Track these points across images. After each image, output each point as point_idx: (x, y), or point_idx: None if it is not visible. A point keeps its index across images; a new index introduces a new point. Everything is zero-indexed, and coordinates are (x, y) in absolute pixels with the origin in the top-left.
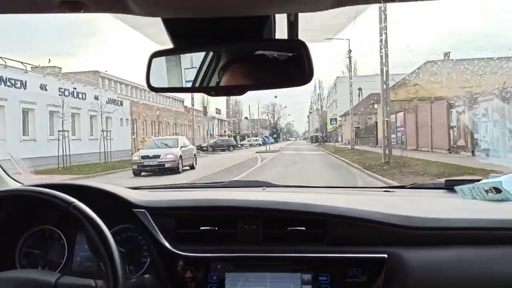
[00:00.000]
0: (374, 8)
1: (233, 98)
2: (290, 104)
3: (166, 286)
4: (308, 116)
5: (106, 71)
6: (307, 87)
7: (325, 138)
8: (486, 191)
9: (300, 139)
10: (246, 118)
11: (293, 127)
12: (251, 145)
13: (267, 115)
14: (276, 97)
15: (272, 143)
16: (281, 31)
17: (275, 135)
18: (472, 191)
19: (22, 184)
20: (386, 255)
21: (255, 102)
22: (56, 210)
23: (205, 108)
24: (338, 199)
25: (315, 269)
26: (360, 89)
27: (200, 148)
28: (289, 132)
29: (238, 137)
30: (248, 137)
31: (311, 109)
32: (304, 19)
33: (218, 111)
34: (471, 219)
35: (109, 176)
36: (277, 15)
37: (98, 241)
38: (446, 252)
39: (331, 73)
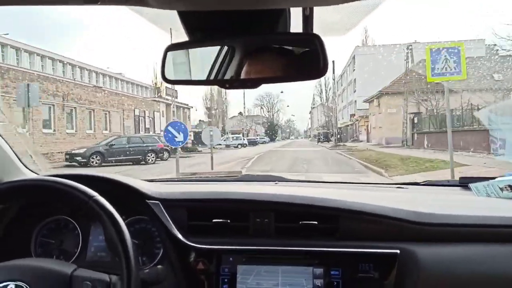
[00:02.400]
0: (391, 1)
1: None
2: (290, 100)
3: (179, 277)
4: (310, 112)
5: None
6: (310, 83)
7: (338, 136)
8: (501, 189)
9: (301, 138)
10: (240, 113)
11: (294, 124)
12: (227, 146)
13: (261, 108)
14: (282, 92)
15: (265, 142)
16: (296, 25)
17: (270, 132)
18: (486, 189)
19: (38, 174)
20: (398, 251)
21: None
22: (75, 202)
23: (158, 88)
24: (351, 194)
25: (327, 264)
26: (410, 48)
27: (70, 157)
28: (289, 130)
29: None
30: (235, 134)
31: (314, 104)
32: (319, 12)
33: (172, 94)
34: (485, 216)
35: None
36: (292, 9)
37: (115, 236)
38: (459, 248)
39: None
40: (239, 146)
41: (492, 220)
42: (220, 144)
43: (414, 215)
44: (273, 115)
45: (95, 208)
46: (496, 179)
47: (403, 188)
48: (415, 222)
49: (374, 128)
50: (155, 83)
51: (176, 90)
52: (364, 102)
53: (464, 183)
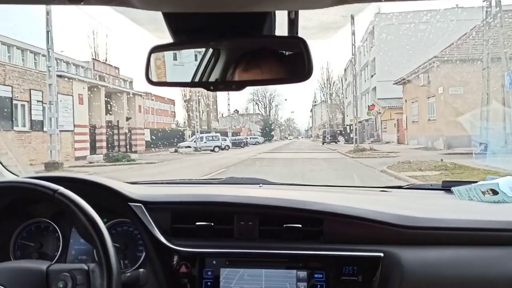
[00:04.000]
0: (372, 5)
1: None
2: (289, 98)
3: (161, 281)
4: (311, 110)
5: None
6: (311, 78)
7: (351, 135)
8: (483, 193)
9: (302, 137)
10: (236, 111)
11: (294, 123)
12: (197, 149)
13: (257, 103)
14: (286, 100)
15: (258, 143)
16: (281, 28)
17: (266, 130)
18: (469, 192)
19: (17, 175)
20: (382, 254)
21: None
22: (45, 199)
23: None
24: (335, 198)
25: (311, 267)
26: None
27: None
28: (289, 129)
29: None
30: (211, 133)
31: (315, 101)
32: (304, 16)
33: (105, 70)
34: (467, 219)
35: None
36: (277, 12)
37: (87, 224)
38: (442, 252)
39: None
40: (216, 149)
41: (474, 223)
42: (188, 147)
43: (398, 218)
44: (269, 111)
45: (62, 201)
46: (478, 183)
47: (386, 191)
48: (398, 226)
49: (415, 122)
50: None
51: (117, 68)
52: (396, 84)
53: (447, 186)
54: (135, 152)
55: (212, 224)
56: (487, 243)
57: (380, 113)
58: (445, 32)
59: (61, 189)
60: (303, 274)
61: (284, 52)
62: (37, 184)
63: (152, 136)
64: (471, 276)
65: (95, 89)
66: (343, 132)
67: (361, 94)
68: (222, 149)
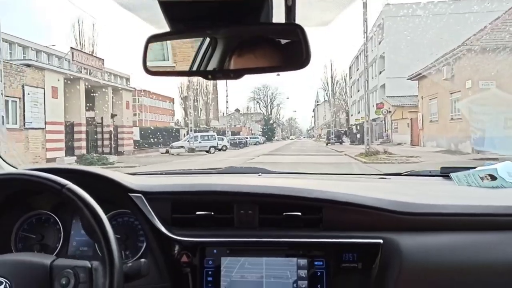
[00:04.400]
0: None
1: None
2: (291, 97)
3: (162, 271)
4: (313, 110)
5: None
6: (313, 78)
7: (357, 136)
8: (482, 178)
9: (304, 137)
10: (237, 110)
11: (296, 122)
12: (190, 150)
13: (258, 102)
14: (288, 98)
15: (258, 143)
16: (278, 16)
17: (267, 129)
18: (467, 178)
19: (16, 168)
20: (381, 241)
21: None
22: (50, 193)
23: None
24: (334, 185)
25: (311, 254)
26: None
27: None
28: (291, 129)
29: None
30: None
31: (318, 101)
32: (302, 3)
33: (80, 59)
34: (466, 205)
35: None
36: (274, 0)
37: (93, 222)
38: (441, 237)
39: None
40: (212, 150)
41: (473, 209)
42: (182, 147)
43: (397, 205)
44: (271, 111)
45: (69, 196)
46: (477, 169)
47: (385, 178)
48: (397, 212)
49: (433, 121)
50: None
51: (101, 59)
52: (410, 79)
53: (446, 173)
54: (122, 153)
55: (212, 213)
56: (486, 228)
57: (390, 112)
58: (466, 22)
59: (69, 184)
60: (303, 261)
61: (282, 39)
62: (46, 177)
63: (143, 135)
64: (470, 261)
65: (73, 82)
66: (347, 133)
67: (368, 92)
68: (219, 149)
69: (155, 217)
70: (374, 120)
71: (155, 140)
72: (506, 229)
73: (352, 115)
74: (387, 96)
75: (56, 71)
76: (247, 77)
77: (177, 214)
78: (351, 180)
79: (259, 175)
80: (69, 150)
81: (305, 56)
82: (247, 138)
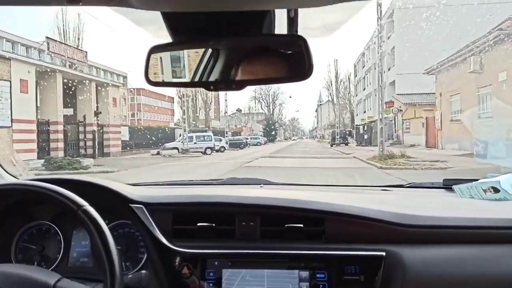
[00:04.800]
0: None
1: None
2: (294, 96)
3: (163, 282)
4: (316, 110)
5: None
6: (316, 77)
7: (365, 137)
8: (484, 191)
9: (306, 138)
10: (239, 110)
11: (298, 123)
12: (184, 150)
13: (259, 101)
14: (290, 97)
15: (259, 143)
16: (280, 27)
17: (269, 130)
18: (470, 191)
19: (17, 178)
20: (384, 253)
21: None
22: (63, 209)
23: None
24: (336, 197)
25: (313, 267)
26: None
27: None
28: (294, 129)
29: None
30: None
31: (320, 100)
32: (304, 15)
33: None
34: (469, 217)
35: None
36: (277, 11)
37: (101, 248)
38: (444, 250)
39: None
40: (208, 151)
41: (476, 221)
42: (175, 149)
43: (399, 217)
44: (272, 110)
45: (83, 218)
46: (479, 181)
47: (388, 190)
48: (400, 224)
49: (454, 121)
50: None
51: (84, 52)
52: (427, 73)
53: (448, 185)
54: (107, 154)
55: (214, 224)
56: (489, 241)
57: (401, 110)
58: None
59: (86, 206)
60: (305, 274)
61: (284, 50)
62: (65, 195)
63: (134, 136)
64: (473, 274)
65: (49, 75)
66: (352, 133)
67: (375, 91)
68: (217, 150)
69: (156, 228)
70: (374, 121)
71: (148, 140)
72: (509, 242)
73: (357, 115)
74: (398, 94)
75: (26, 62)
76: None
77: (178, 225)
78: (354, 191)
79: (261, 187)
80: (42, 151)
81: (307, 68)
82: (247, 138)
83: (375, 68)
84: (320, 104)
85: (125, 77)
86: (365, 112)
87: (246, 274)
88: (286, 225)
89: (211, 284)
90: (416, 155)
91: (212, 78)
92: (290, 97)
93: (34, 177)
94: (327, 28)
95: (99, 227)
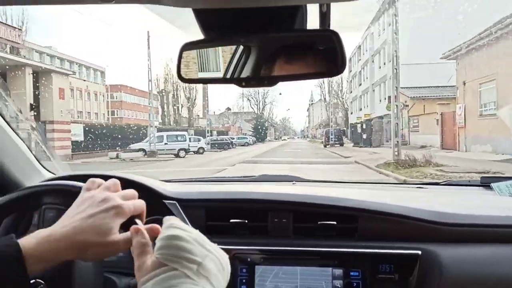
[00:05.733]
0: None
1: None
2: (285, 96)
3: None
4: (308, 109)
5: None
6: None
7: (363, 136)
8: None
9: (298, 138)
10: (228, 109)
11: (290, 122)
12: (151, 152)
13: (248, 99)
14: (280, 94)
15: (247, 143)
16: (312, 22)
17: (259, 129)
18: (509, 188)
19: (55, 174)
20: (419, 252)
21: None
22: None
23: None
24: (369, 194)
25: (346, 264)
26: None
27: None
28: (285, 129)
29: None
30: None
31: (312, 100)
32: (337, 9)
33: None
34: (508, 216)
35: None
36: (308, 6)
37: None
38: (482, 249)
39: None
40: (182, 153)
41: None
42: (141, 150)
43: (436, 215)
44: (262, 109)
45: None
46: None
47: (423, 188)
48: (437, 223)
49: (486, 116)
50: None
51: (19, 29)
52: (445, 58)
53: (486, 182)
54: (48, 158)
55: (246, 221)
56: None
57: (407, 105)
58: None
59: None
60: (338, 271)
61: (317, 46)
62: None
63: (92, 136)
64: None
65: None
66: (346, 132)
67: (373, 86)
68: (195, 152)
69: (189, 224)
70: (381, 117)
71: (115, 140)
72: None
73: (352, 113)
74: (402, 87)
75: None
76: None
77: (212, 221)
78: (388, 189)
79: (293, 183)
80: None
81: (340, 62)
82: (233, 138)
83: (372, 62)
84: (312, 103)
85: (102, 72)
86: (361, 109)
87: (279, 271)
88: (318, 222)
89: (244, 280)
90: (444, 161)
91: (244, 74)
92: (280, 94)
93: (70, 173)
94: (360, 23)
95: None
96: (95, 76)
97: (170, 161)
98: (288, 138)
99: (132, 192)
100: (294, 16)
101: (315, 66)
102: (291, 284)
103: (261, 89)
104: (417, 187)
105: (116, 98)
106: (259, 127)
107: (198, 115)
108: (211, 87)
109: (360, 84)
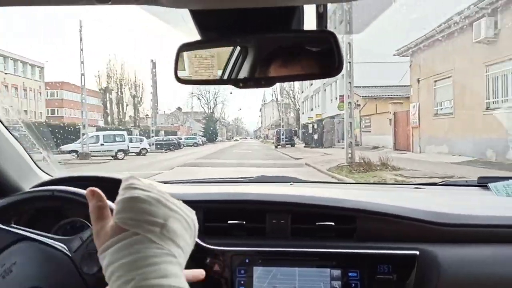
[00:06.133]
0: None
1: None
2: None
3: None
4: (260, 110)
5: None
6: None
7: (314, 137)
8: None
9: (250, 138)
10: (179, 108)
11: (242, 122)
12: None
13: (198, 98)
14: (231, 93)
15: (196, 144)
16: (309, 23)
17: (210, 129)
18: (506, 189)
19: (52, 176)
20: (417, 252)
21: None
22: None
23: None
24: (367, 195)
25: (345, 265)
26: None
27: None
28: (237, 129)
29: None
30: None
31: (264, 100)
32: (332, 11)
33: None
34: (506, 216)
35: None
36: (305, 7)
37: None
38: (480, 250)
39: None
40: (120, 155)
41: None
42: (73, 152)
43: (434, 215)
44: (213, 108)
45: None
46: None
47: (420, 188)
48: (434, 223)
49: (441, 115)
50: None
51: None
52: (397, 54)
53: (483, 183)
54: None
55: (244, 222)
56: None
57: (359, 105)
58: None
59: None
60: (337, 272)
61: (314, 47)
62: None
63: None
64: (510, 275)
65: None
66: (298, 133)
67: (325, 85)
68: (138, 153)
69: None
70: (332, 117)
71: (46, 140)
72: None
73: (303, 113)
74: (354, 86)
75: None
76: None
77: (210, 223)
78: (385, 190)
79: (291, 184)
80: None
81: (337, 64)
82: (180, 138)
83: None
84: (264, 104)
85: (41, 68)
86: (312, 109)
87: (277, 272)
88: (316, 223)
89: (242, 282)
90: (401, 163)
91: (241, 75)
92: (231, 93)
93: (66, 175)
94: (357, 24)
95: None
96: (33, 72)
97: (105, 163)
98: (240, 139)
99: None
100: (291, 17)
101: (312, 67)
102: (289, 285)
103: (211, 88)
104: (414, 188)
105: (57, 96)
106: (211, 127)
107: (147, 115)
108: (160, 85)
109: (311, 84)
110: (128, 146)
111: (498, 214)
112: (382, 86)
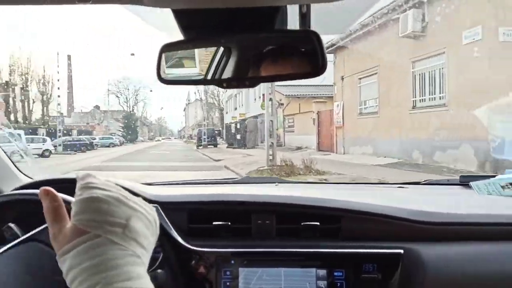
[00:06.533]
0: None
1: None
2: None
3: (179, 282)
4: (184, 109)
5: None
6: None
7: (237, 137)
8: (503, 187)
9: (174, 138)
10: (97, 107)
11: (165, 122)
12: None
13: (117, 96)
14: (151, 91)
15: (111, 145)
16: (293, 23)
17: (130, 128)
18: (487, 187)
19: (32, 178)
20: (402, 251)
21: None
22: None
23: None
24: (352, 194)
25: (330, 265)
26: None
27: None
28: (160, 129)
29: None
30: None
31: (189, 100)
32: (316, 10)
33: None
34: (488, 214)
35: None
36: (289, 6)
37: None
38: (464, 247)
39: None
40: (14, 157)
41: (495, 218)
42: None
43: (417, 214)
44: (133, 106)
45: None
46: (497, 177)
47: (404, 187)
48: (418, 222)
49: (366, 114)
50: None
51: None
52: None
53: (465, 181)
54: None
55: (229, 223)
56: (509, 238)
57: (282, 104)
58: None
59: None
60: (322, 272)
61: (297, 46)
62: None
63: None
64: (495, 272)
65: None
66: (221, 133)
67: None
68: (40, 155)
69: (171, 227)
70: (255, 117)
71: None
72: None
73: (227, 113)
74: (277, 85)
75: None
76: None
77: (194, 224)
78: (370, 189)
79: (276, 185)
80: None
81: (321, 64)
82: (94, 138)
83: None
84: (189, 103)
85: None
86: (236, 109)
87: (263, 273)
88: (302, 223)
89: (227, 283)
90: (325, 166)
91: (225, 75)
92: (151, 91)
93: (47, 178)
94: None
95: None
96: None
97: None
98: (163, 139)
99: None
100: (275, 17)
101: (295, 67)
102: (275, 285)
103: (131, 85)
104: (398, 187)
105: None
106: (130, 126)
107: (62, 113)
108: (76, 81)
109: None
110: (25, 147)
111: (480, 212)
112: (307, 85)
